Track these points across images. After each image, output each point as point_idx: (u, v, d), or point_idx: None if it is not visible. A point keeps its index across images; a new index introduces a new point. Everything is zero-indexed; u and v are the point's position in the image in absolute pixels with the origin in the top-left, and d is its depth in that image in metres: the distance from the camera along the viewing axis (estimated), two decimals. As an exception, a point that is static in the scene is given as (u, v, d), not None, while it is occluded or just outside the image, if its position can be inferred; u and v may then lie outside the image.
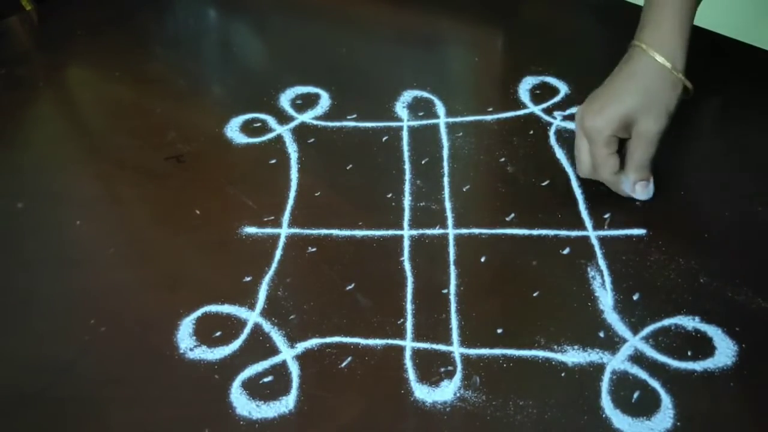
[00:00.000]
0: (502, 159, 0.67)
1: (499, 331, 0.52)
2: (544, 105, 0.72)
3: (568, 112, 0.71)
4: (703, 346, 0.50)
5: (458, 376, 0.49)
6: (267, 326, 0.53)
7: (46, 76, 0.83)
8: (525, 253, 0.58)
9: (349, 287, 0.56)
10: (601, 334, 0.52)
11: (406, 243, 0.59)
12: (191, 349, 0.52)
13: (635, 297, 0.54)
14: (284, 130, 0.71)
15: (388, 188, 0.64)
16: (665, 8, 0.56)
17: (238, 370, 0.50)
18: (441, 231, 0.60)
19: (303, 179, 0.66)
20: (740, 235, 0.59)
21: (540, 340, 0.51)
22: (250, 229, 0.61)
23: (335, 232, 0.60)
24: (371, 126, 0.71)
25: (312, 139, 0.70)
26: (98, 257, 0.60)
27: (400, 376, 0.50)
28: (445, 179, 0.65)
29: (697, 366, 0.49)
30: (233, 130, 0.71)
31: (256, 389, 0.49)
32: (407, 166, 0.66)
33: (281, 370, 0.50)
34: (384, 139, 0.70)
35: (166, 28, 0.91)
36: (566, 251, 0.58)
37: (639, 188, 0.59)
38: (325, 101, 0.74)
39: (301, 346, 0.52)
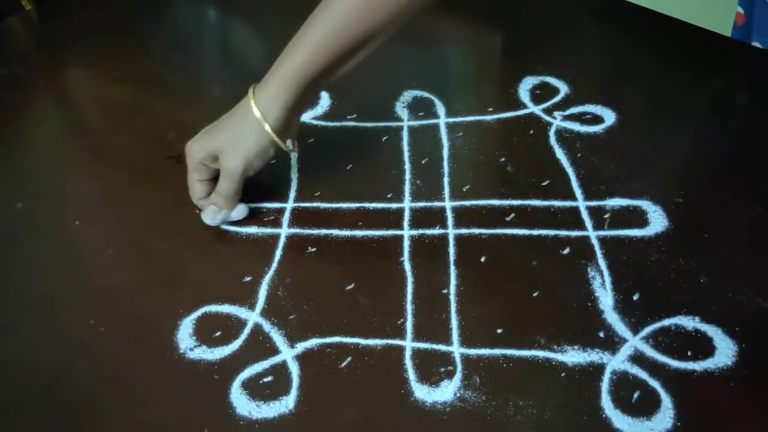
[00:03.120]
0: (502, 159, 0.67)
1: (499, 331, 0.52)
2: (544, 105, 0.72)
3: (568, 112, 0.71)
4: (703, 346, 0.50)
5: (458, 376, 0.49)
6: (267, 326, 0.53)
7: (45, 77, 0.83)
8: (525, 253, 0.58)
9: (349, 287, 0.56)
10: (601, 334, 0.52)
11: (406, 243, 0.59)
12: (191, 349, 0.52)
13: (635, 297, 0.54)
14: (284, 130, 0.71)
15: (388, 188, 0.64)
16: (279, 67, 0.58)
17: (238, 370, 0.50)
18: (441, 231, 0.60)
19: (303, 179, 0.66)
20: (740, 235, 0.59)
21: (540, 340, 0.51)
22: (250, 229, 0.61)
23: (335, 232, 0.60)
24: (371, 126, 0.71)
25: (312, 139, 0.70)
26: (98, 257, 0.60)
27: (400, 376, 0.50)
28: (445, 179, 0.65)
29: (697, 366, 0.49)
30: (233, 130, 0.71)
31: (256, 389, 0.49)
32: (407, 166, 0.66)
33: (281, 370, 0.50)
34: (384, 139, 0.70)
35: (165, 28, 0.91)
36: (566, 251, 0.58)
37: (207, 210, 0.60)
38: (325, 101, 0.74)
39: (301, 346, 0.52)
